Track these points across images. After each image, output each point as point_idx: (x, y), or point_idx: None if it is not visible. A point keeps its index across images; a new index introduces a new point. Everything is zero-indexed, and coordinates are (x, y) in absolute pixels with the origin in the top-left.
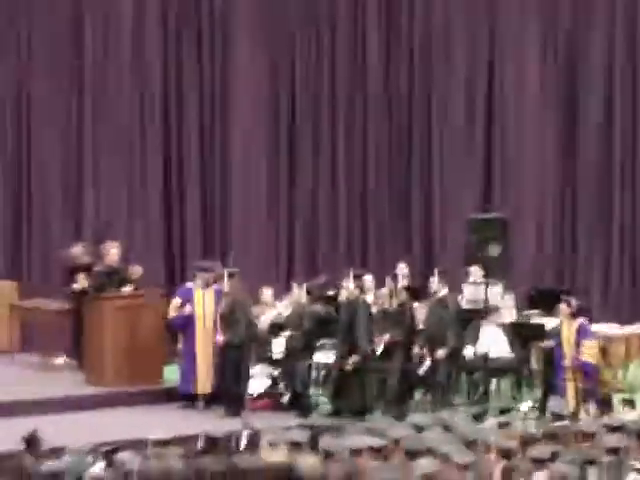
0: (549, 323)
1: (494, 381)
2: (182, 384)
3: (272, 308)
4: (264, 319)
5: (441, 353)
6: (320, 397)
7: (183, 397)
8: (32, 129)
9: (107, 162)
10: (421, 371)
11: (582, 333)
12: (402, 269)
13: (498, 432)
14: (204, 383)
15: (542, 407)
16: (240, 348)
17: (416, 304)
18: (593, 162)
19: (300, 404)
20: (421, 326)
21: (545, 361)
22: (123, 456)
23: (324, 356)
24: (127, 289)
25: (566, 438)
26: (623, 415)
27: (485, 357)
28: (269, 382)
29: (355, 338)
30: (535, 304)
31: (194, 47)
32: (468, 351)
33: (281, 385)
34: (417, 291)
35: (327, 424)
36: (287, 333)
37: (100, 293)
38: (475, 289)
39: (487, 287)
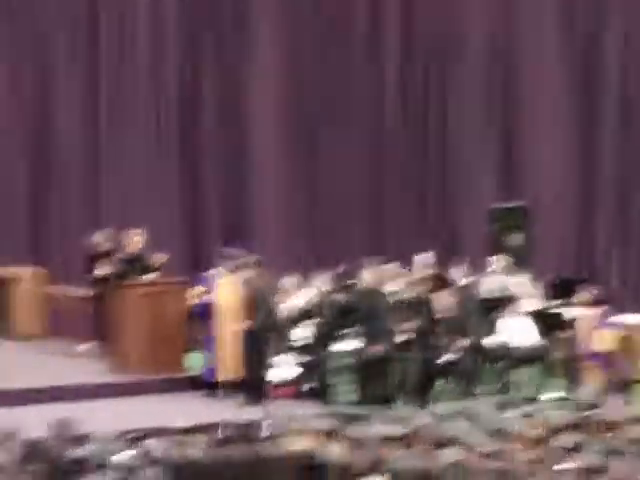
0: (572, 312)
1: (518, 370)
2: (206, 372)
3: (293, 297)
4: (285, 307)
5: (464, 342)
6: (343, 386)
7: (207, 385)
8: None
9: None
10: (442, 361)
11: (601, 322)
12: (427, 258)
13: (522, 421)
14: (225, 371)
15: (566, 396)
16: (261, 336)
17: (434, 294)
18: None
19: (323, 392)
20: (440, 315)
21: (569, 350)
22: (149, 444)
23: (347, 345)
24: (150, 276)
25: (590, 428)
26: None
27: (508, 346)
28: (294, 370)
29: (375, 328)
30: (559, 293)
31: (211, 49)
32: (490, 340)
33: (304, 373)
34: (445, 280)
35: (352, 412)
36: (310, 322)
37: (121, 280)
38: (497, 278)
39: (509, 276)
